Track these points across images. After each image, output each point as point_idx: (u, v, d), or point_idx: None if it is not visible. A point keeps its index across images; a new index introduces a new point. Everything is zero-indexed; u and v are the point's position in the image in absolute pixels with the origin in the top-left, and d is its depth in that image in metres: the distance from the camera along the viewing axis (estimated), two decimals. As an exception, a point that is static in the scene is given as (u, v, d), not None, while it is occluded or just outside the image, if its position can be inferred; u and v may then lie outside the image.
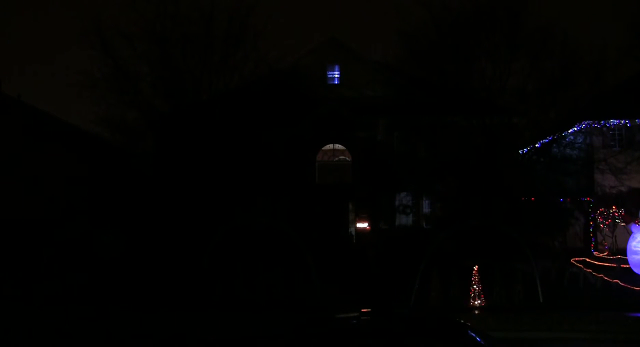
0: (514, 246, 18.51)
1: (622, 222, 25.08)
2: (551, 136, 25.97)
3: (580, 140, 27.27)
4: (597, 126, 27.33)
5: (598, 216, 26.22)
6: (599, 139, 27.61)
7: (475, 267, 17.90)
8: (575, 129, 27.44)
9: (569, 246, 26.50)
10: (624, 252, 22.29)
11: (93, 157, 30.49)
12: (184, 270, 21.13)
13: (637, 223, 21.91)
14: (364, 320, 7.19)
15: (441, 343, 6.83)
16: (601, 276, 20.17)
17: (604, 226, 26.11)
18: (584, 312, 15.33)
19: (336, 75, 31.12)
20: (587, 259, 23.88)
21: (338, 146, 29.59)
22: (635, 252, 20.75)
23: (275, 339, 7.38)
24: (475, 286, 17.21)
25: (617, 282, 19.40)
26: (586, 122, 27.25)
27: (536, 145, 26.17)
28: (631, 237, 21.30)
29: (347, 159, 29.54)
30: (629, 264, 21.12)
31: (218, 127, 27.40)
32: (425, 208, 29.75)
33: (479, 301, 17.03)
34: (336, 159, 29.91)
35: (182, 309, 16.80)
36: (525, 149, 26.57)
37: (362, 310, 7.41)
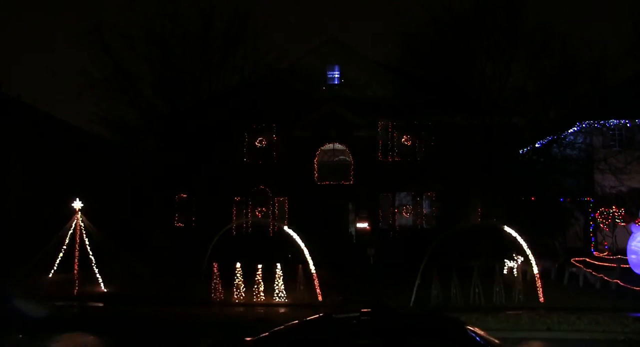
0: (514, 246, 18.50)
1: (622, 222, 25.09)
2: (551, 136, 25.95)
3: (580, 140, 27.27)
4: (597, 126, 27.38)
5: (598, 216, 26.24)
6: (599, 139, 27.65)
7: (475, 267, 17.91)
8: (575, 129, 27.46)
9: (569, 245, 26.53)
10: (624, 252, 22.25)
11: (93, 157, 30.55)
12: (184, 269, 21.18)
13: (637, 223, 21.88)
14: (364, 320, 7.16)
15: (441, 343, 6.81)
16: (601, 276, 20.13)
17: (604, 225, 26.13)
18: (584, 312, 15.29)
19: (336, 75, 31.15)
20: (587, 259, 23.88)
21: (338, 146, 29.61)
22: (635, 252, 20.71)
23: (275, 339, 7.36)
24: (475, 286, 17.19)
25: (617, 282, 19.35)
26: (586, 122, 27.30)
27: (536, 145, 26.14)
28: (631, 237, 21.26)
29: (347, 159, 29.55)
30: (629, 264, 21.09)
31: (218, 127, 27.44)
32: (425, 208, 29.80)
33: (479, 301, 17.01)
34: (336, 159, 29.93)
35: (182, 308, 16.78)
36: (525, 149, 26.55)
37: (362, 310, 7.37)
